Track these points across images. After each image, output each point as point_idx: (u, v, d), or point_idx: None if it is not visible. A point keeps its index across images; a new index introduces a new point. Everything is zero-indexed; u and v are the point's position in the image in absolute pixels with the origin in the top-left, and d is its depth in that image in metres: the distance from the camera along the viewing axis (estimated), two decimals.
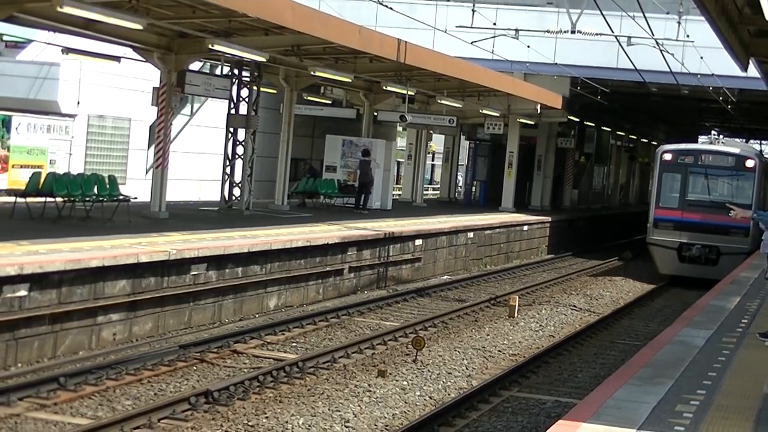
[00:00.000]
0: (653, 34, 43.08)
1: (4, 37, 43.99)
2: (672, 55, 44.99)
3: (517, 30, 49.19)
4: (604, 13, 38.97)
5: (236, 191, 40.24)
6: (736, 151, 46.68)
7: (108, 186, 32.75)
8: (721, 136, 47.65)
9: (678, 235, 45.37)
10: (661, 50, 43.93)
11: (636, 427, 12.32)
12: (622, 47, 44.71)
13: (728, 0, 22.97)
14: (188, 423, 18.16)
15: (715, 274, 39.29)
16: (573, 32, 47.71)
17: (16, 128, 42.97)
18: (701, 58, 46.62)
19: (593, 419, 12.53)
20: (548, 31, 50.30)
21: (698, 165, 45.26)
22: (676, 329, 20.44)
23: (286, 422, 18.57)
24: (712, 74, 47.47)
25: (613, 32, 42.90)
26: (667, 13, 46.76)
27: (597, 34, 46.06)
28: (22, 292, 21.31)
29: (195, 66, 38.32)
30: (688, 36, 46.30)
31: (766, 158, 54.26)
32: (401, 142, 71.53)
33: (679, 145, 48.19)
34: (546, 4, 51.53)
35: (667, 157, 45.79)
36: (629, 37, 44.74)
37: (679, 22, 46.53)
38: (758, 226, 27.28)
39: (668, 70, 44.95)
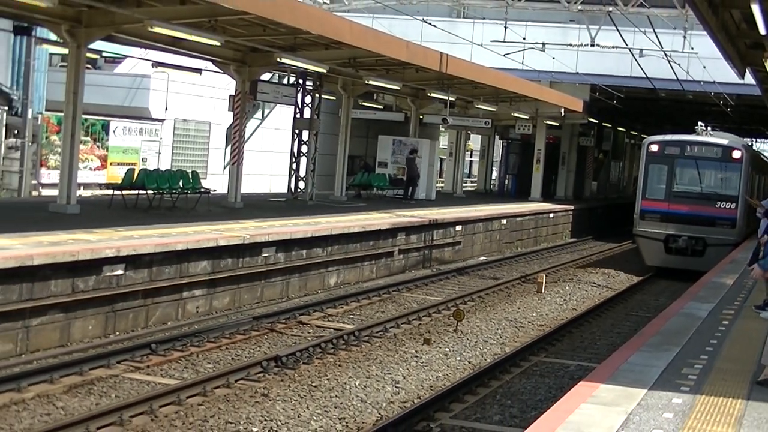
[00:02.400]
0: (662, 47, 42.94)
1: (104, 54, 44.10)
2: (678, 65, 44.75)
3: (543, 44, 49.18)
4: (619, 28, 39.06)
5: (301, 184, 40.24)
6: (723, 142, 41.05)
7: (191, 180, 32.91)
8: (708, 128, 42.39)
9: (664, 226, 40.02)
10: (669, 61, 43.72)
11: (647, 387, 12.30)
12: (635, 58, 44.52)
13: (727, 16, 22.84)
14: (260, 384, 18.22)
15: (701, 266, 35.33)
16: (592, 45, 47.79)
17: (114, 131, 43.14)
18: (704, 67, 46.28)
19: (610, 380, 12.52)
20: (570, 45, 50.28)
21: (685, 156, 40.15)
22: (682, 303, 20.38)
23: (345, 383, 18.61)
24: (714, 81, 47.13)
25: (627, 45, 42.79)
26: (674, 29, 46.56)
27: (613, 47, 46.02)
28: (119, 271, 21.42)
29: (265, 76, 38.36)
30: (692, 48, 46.13)
31: (754, 149, 48.81)
32: (443, 141, 71.37)
33: (666, 136, 42.28)
34: (569, 21, 51.27)
35: (654, 148, 40.58)
36: (641, 50, 44.55)
37: (684, 36, 46.43)
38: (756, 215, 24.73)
39: (675, 78, 44.69)
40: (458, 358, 21.61)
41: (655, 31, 41.16)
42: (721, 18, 22.68)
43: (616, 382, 12.46)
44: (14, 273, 18.79)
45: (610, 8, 44.90)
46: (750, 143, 56.65)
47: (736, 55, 28.06)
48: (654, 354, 14.42)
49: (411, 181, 47.11)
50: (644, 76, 45.48)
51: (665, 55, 43.60)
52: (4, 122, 39.84)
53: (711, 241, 38.99)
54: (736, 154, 39.53)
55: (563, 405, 11.25)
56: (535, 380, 19.96)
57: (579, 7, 48.52)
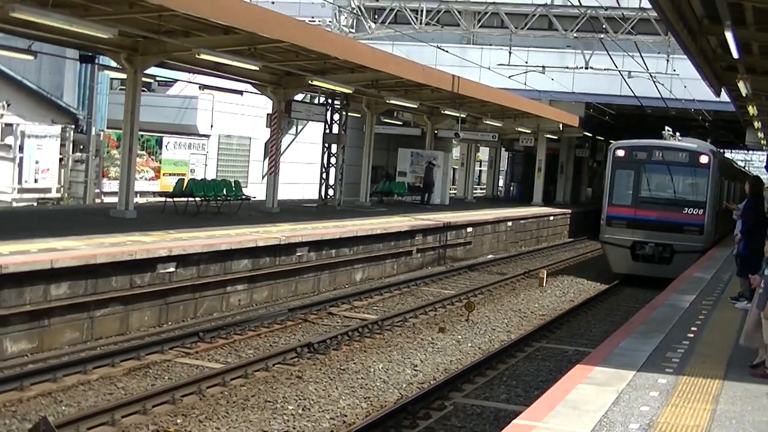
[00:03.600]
0: (648, 69, 42.86)
1: (157, 78, 44.28)
2: (662, 84, 44.65)
3: (543, 67, 49.25)
4: (610, 53, 38.89)
5: (330, 191, 40.29)
6: (691, 146, 35.96)
7: (234, 188, 33.00)
8: (677, 134, 37.74)
9: (631, 233, 34.77)
10: (654, 81, 43.61)
11: (636, 369, 12.29)
12: (624, 79, 44.47)
13: (705, 42, 22.82)
14: (295, 367, 18.26)
15: (669, 273, 30.19)
16: (586, 68, 47.92)
17: (166, 146, 43.25)
18: (685, 87, 46.18)
19: (603, 364, 12.53)
20: (567, 68, 50.36)
21: (651, 161, 35.02)
22: (667, 295, 20.34)
23: (369, 366, 18.64)
24: (694, 99, 47.03)
25: (617, 68, 42.66)
26: (658, 53, 46.61)
27: (605, 69, 46.04)
28: (171, 269, 21.50)
29: (298, 97, 38.42)
30: (674, 70, 46.19)
31: (722, 155, 43.84)
32: (456, 153, 71.40)
33: (632, 141, 37.27)
34: (565, 46, 51.26)
35: (620, 153, 35.44)
36: (629, 72, 44.50)
37: (667, 60, 46.49)
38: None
39: (660, 96, 44.60)
40: (469, 345, 21.63)
41: (641, 55, 41.21)
42: (699, 44, 22.67)
43: (609, 364, 12.47)
44: (80, 270, 18.90)
45: (602, 35, 44.88)
46: (722, 151, 51.20)
47: (712, 76, 28.10)
48: (642, 340, 14.42)
49: (427, 188, 47.23)
50: (632, 95, 45.40)
51: (651, 76, 43.51)
52: (72, 139, 40.03)
53: (678, 248, 33.89)
54: (704, 159, 34.64)
55: (562, 385, 11.27)
56: (538, 363, 19.96)
57: (574, 35, 48.63)
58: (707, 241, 34.24)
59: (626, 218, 34.81)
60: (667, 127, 37.33)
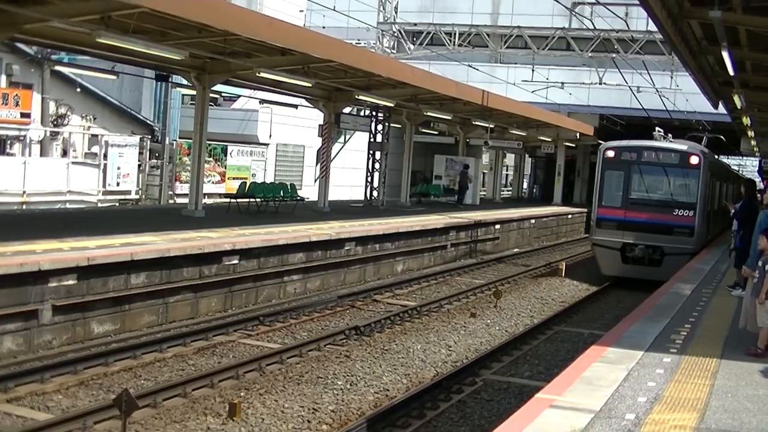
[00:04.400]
0: (654, 84, 42.75)
1: (223, 94, 44.46)
2: (667, 98, 44.36)
3: (562, 83, 49.10)
4: (621, 70, 38.73)
5: (374, 193, 40.31)
6: (681, 147, 31.54)
7: (290, 190, 33.04)
8: (669, 135, 33.92)
9: (621, 235, 30.50)
10: (659, 95, 43.40)
11: (644, 349, 12.27)
12: (633, 93, 44.20)
13: (704, 61, 22.78)
14: (343, 347, 18.32)
15: (659, 275, 26.79)
16: (600, 84, 47.60)
17: (230, 153, 43.41)
18: (687, 100, 45.86)
19: (615, 345, 12.51)
20: (583, 83, 50.12)
21: (641, 162, 30.81)
22: (671, 284, 20.26)
23: (409, 347, 18.67)
24: (695, 111, 46.71)
25: (627, 83, 42.56)
26: (663, 70, 46.38)
27: (616, 85, 45.82)
28: (235, 261, 21.60)
29: (346, 110, 38.49)
30: (677, 85, 46.01)
31: (714, 156, 38.82)
32: (485, 159, 71.25)
33: (622, 142, 32.77)
34: (582, 65, 51.06)
35: (610, 154, 31.24)
36: (638, 87, 44.18)
37: (671, 76, 46.32)
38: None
39: (665, 108, 44.27)
40: (497, 328, 21.62)
41: (649, 73, 41.11)
42: (699, 62, 22.64)
43: (620, 345, 12.46)
44: (156, 262, 19.04)
45: (614, 55, 44.77)
46: (716, 156, 44.58)
47: (711, 90, 28.13)
48: (649, 324, 14.38)
49: (462, 190, 47.27)
50: (641, 107, 45.16)
51: (657, 91, 43.32)
52: (149, 147, 40.30)
53: (669, 250, 29.71)
54: (694, 160, 30.41)
55: (579, 363, 11.27)
56: (557, 345, 19.94)
57: (590, 54, 48.38)
58: (698, 243, 30.41)
59: (616, 220, 30.56)
60: (657, 128, 33.56)
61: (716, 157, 39.58)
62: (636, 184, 30.79)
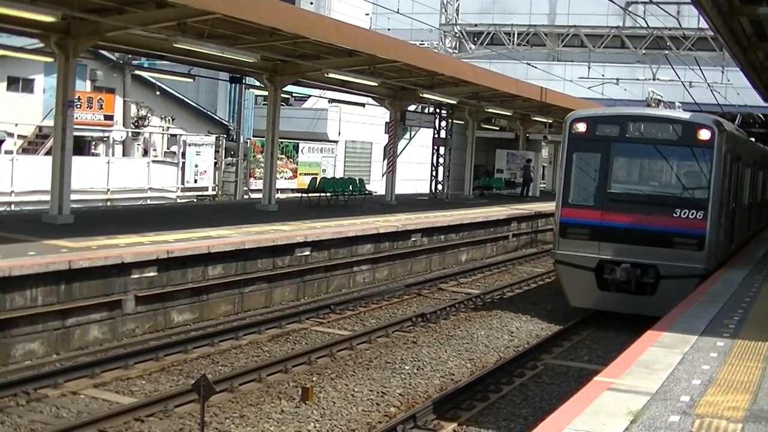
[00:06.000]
0: (706, 80, 42.24)
1: (294, 94, 44.65)
2: (718, 93, 43.84)
3: (617, 79, 48.64)
4: (674, 66, 38.31)
5: (439, 186, 40.29)
6: (684, 116, 20.45)
7: (358, 185, 33.17)
8: (676, 103, 24.66)
9: (596, 248, 19.87)
10: (711, 90, 42.88)
11: (698, 334, 12.13)
12: (686, 88, 43.70)
13: (753, 56, 22.42)
14: (410, 333, 18.33)
15: (652, 309, 18.21)
16: (654, 80, 47.11)
17: (301, 150, 43.58)
18: (737, 94, 45.23)
19: (670, 329, 12.38)
20: (638, 79, 49.63)
21: (626, 139, 20.12)
22: (723, 271, 19.94)
23: (473, 333, 18.64)
24: (745, 104, 46.11)
25: (679, 79, 42.06)
26: (715, 66, 45.79)
27: (669, 81, 45.30)
28: (307, 252, 21.70)
29: (411, 107, 38.45)
30: (728, 80, 45.35)
31: (737, 130, 25.82)
32: (544, 153, 70.81)
33: (597, 110, 22.06)
34: (636, 62, 50.58)
35: (580, 128, 20.38)
36: (690, 82, 43.72)
37: (722, 71, 45.62)
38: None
39: (716, 102, 43.68)
40: (558, 315, 21.48)
41: (700, 68, 40.58)
42: (749, 57, 22.31)
43: (675, 330, 12.33)
44: (232, 254, 19.19)
45: (667, 52, 44.33)
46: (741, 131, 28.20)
47: (761, 84, 27.67)
48: (702, 310, 14.21)
49: (526, 183, 47.21)
50: (693, 101, 44.65)
51: (708, 85, 42.80)
52: (224, 146, 40.60)
53: (666, 271, 19.21)
54: (705, 135, 19.42)
55: (635, 348, 11.18)
56: (615, 330, 19.76)
57: (643, 51, 47.95)
58: (712, 259, 19.49)
59: (589, 225, 20.03)
60: (652, 90, 23.97)
61: (741, 132, 26.85)
62: (618, 173, 20.56)
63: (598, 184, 20.14)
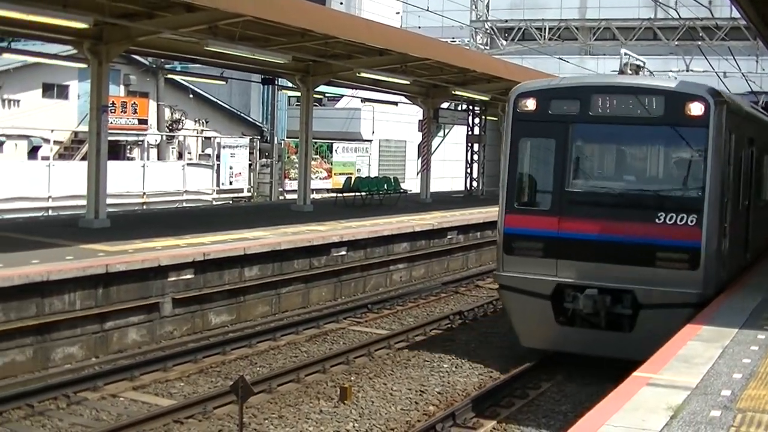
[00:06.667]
0: (740, 69, 41.90)
1: (326, 94, 44.68)
2: (753, 82, 43.50)
3: (651, 71, 48.25)
4: (707, 57, 38.00)
5: (474, 183, 40.21)
6: (666, 85, 14.95)
7: (393, 184, 33.16)
8: (645, 65, 17.99)
9: (552, 267, 14.69)
10: (746, 79, 42.52)
11: (738, 327, 11.98)
12: (720, 79, 43.24)
13: None
14: (449, 332, 18.30)
15: (629, 349, 13.66)
16: (687, 71, 46.75)
17: (336, 150, 43.59)
18: None
19: (709, 323, 12.24)
20: (671, 71, 49.24)
21: (591, 119, 14.91)
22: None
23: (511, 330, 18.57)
24: None
25: (714, 69, 41.72)
26: (749, 55, 45.44)
27: (703, 71, 44.94)
28: (343, 252, 21.71)
29: (444, 105, 38.40)
30: (763, 69, 45.06)
31: (746, 104, 20.52)
32: None
33: (551, 82, 16.17)
34: (669, 53, 50.24)
35: (528, 105, 15.46)
36: (725, 72, 43.34)
37: (757, 61, 45.29)
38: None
39: (751, 91, 43.31)
40: None
41: (734, 58, 40.21)
42: None
43: (714, 323, 12.20)
44: (269, 255, 19.25)
45: (699, 42, 44.00)
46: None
47: None
48: (742, 303, 14.03)
49: None
50: (728, 91, 44.39)
51: (743, 75, 42.46)
52: (258, 147, 40.71)
53: (647, 298, 14.17)
54: (696, 109, 14.20)
55: (675, 342, 11.07)
56: None
57: (676, 43, 47.65)
58: (710, 280, 14.25)
59: (542, 237, 14.93)
60: (623, 51, 17.07)
61: (754, 107, 21.54)
62: (580, 165, 15.39)
63: (554, 180, 15.05)
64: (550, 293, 14.70)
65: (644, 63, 17.90)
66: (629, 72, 16.70)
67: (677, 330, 11.73)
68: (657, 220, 14.12)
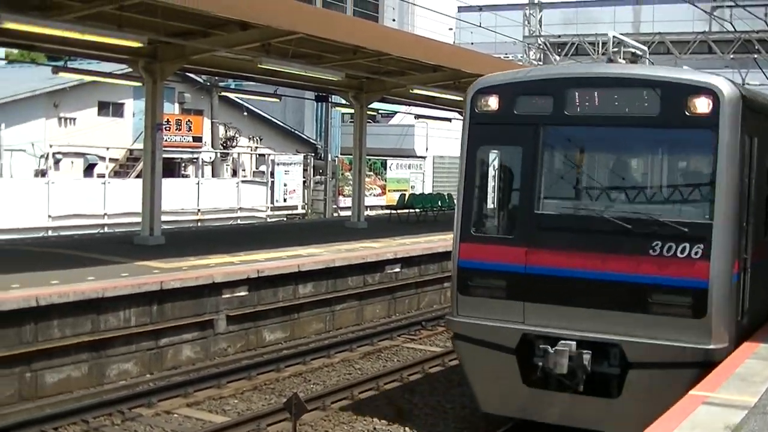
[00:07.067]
0: None
1: (380, 111, 44.83)
2: None
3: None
4: (763, 70, 37.66)
5: None
6: (665, 75, 10.98)
7: (447, 200, 33.08)
8: (646, 55, 15.50)
9: (518, 312, 11.12)
10: None
11: None
12: None
13: None
14: None
15: (614, 420, 10.72)
16: (743, 84, 46.33)
17: (389, 167, 43.67)
18: None
19: (767, 340, 12.06)
20: None
21: (567, 119, 11.19)
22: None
23: None
24: None
25: None
26: None
27: (760, 84, 44.51)
28: (397, 269, 21.67)
29: None
30: None
31: (763, 96, 12.84)
32: None
33: (518, 73, 12.38)
34: (724, 67, 49.72)
35: (489, 103, 11.73)
36: None
37: None
38: None
39: None
40: None
41: None
42: None
43: None
44: (323, 272, 19.25)
45: (755, 55, 43.59)
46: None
47: None
48: None
49: None
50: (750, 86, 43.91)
51: None
52: (312, 164, 40.87)
53: (638, 354, 10.54)
54: (702, 105, 10.42)
55: (731, 360, 10.88)
56: None
57: (731, 56, 47.22)
58: (722, 332, 10.70)
59: (505, 273, 11.47)
60: (611, 33, 15.69)
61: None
62: (553, 180, 11.82)
63: (521, 200, 11.79)
64: (515, 346, 11.26)
65: (647, 51, 14.83)
66: (621, 61, 13.66)
67: (680, 397, 9.07)
68: (652, 252, 10.68)
